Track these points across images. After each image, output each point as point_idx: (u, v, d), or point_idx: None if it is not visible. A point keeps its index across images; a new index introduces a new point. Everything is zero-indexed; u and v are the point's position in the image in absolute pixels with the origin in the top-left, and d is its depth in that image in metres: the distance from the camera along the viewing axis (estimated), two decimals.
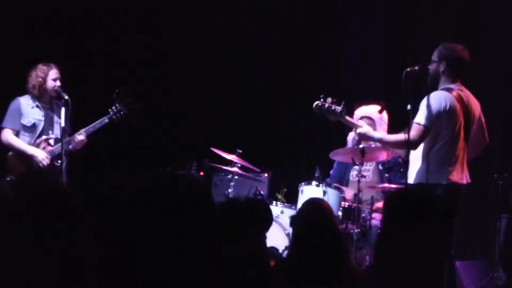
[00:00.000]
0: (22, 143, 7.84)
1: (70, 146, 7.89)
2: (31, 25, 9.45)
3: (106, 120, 8.02)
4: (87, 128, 7.94)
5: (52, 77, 7.89)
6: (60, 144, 7.72)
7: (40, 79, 7.88)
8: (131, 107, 8.09)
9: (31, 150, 7.82)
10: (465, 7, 9.51)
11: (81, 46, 9.74)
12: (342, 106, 6.72)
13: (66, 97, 7.65)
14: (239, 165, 8.56)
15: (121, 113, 8.06)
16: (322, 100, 6.72)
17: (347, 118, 6.84)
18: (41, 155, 7.80)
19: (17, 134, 7.89)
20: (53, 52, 8.70)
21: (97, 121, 8.00)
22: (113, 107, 8.07)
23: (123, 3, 10.12)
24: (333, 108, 6.70)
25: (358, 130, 6.80)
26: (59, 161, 7.77)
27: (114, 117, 8.05)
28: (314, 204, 5.02)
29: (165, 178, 2.44)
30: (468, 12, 9.48)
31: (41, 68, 7.91)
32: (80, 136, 7.87)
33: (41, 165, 7.77)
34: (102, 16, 10.00)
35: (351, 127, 7.05)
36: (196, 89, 10.23)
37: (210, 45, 10.27)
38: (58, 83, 7.88)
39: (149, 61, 10.23)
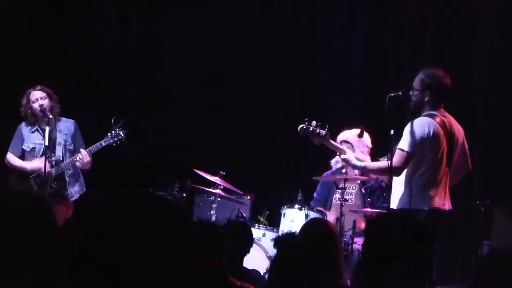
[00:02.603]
0: (20, 161, 8.00)
1: (78, 164, 7.99)
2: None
3: (103, 144, 8.02)
4: (89, 148, 7.99)
5: (32, 100, 7.95)
6: (58, 166, 7.88)
7: (23, 108, 8.00)
8: (125, 130, 8.07)
9: (29, 165, 7.94)
10: (446, 30, 9.60)
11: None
12: (326, 129, 6.75)
13: (50, 116, 7.76)
14: (222, 187, 8.55)
15: (120, 137, 8.02)
16: (306, 123, 6.75)
17: (331, 141, 6.89)
18: (38, 165, 7.86)
19: (20, 158, 8.05)
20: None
21: (94, 145, 8.01)
22: (112, 132, 8.04)
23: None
24: (317, 131, 6.73)
25: (342, 157, 6.86)
26: (55, 183, 7.86)
27: (111, 140, 8.02)
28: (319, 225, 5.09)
29: (141, 199, 2.44)
30: (449, 36, 9.57)
31: (26, 94, 7.99)
32: (80, 155, 7.93)
33: (39, 171, 7.85)
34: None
35: (335, 150, 7.06)
36: (180, 110, 10.26)
37: (193, 67, 10.31)
38: (40, 102, 7.91)
39: (133, 79, 10.28)
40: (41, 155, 7.94)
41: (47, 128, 7.71)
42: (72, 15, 10.02)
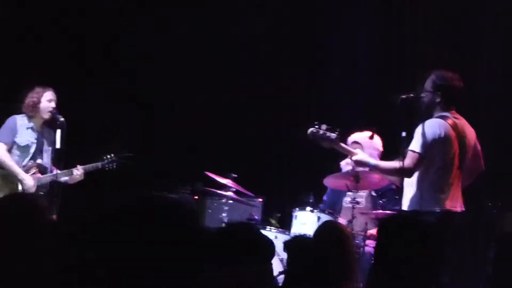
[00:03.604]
0: (14, 164, 7.80)
1: (64, 179, 7.92)
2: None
3: (99, 166, 8.11)
4: (85, 166, 8.01)
5: (47, 98, 7.89)
6: (48, 175, 7.79)
7: (35, 99, 7.88)
8: (126, 161, 8.18)
9: (22, 175, 7.77)
10: (457, 32, 9.66)
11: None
12: (336, 133, 6.72)
13: (62, 118, 7.69)
14: (234, 189, 8.55)
15: (114, 164, 8.14)
16: (316, 126, 6.72)
17: (342, 145, 6.85)
18: (30, 183, 7.77)
19: (8, 151, 7.87)
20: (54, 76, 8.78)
21: (91, 164, 8.07)
22: (109, 156, 8.14)
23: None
24: (327, 134, 6.70)
25: (354, 158, 6.81)
26: (44, 191, 7.81)
27: (106, 166, 8.13)
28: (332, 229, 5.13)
29: (151, 202, 2.45)
30: (459, 37, 9.62)
31: (37, 89, 7.93)
32: (77, 171, 7.93)
33: (27, 190, 7.72)
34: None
35: (345, 154, 7.06)
36: (192, 111, 10.31)
37: (204, 67, 10.35)
38: (53, 104, 7.88)
39: (145, 81, 10.29)
40: (33, 155, 7.88)
41: (58, 131, 7.61)
42: (65, 15, 10.00)
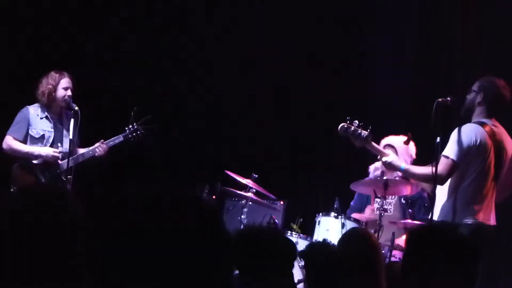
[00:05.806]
0: (25, 146, 7.79)
1: (95, 153, 7.89)
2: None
3: (121, 139, 8.02)
4: (107, 141, 7.95)
5: (63, 86, 7.84)
6: (77, 156, 7.79)
7: (50, 86, 7.83)
8: (149, 127, 8.09)
9: (37, 149, 7.75)
10: (501, 39, 9.48)
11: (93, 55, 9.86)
12: (368, 131, 6.64)
13: (76, 107, 7.68)
14: (254, 190, 8.48)
15: (138, 132, 8.04)
16: (348, 122, 6.65)
17: (373, 144, 6.76)
18: (48, 151, 7.74)
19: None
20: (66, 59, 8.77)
21: (111, 139, 8.00)
22: (130, 126, 8.05)
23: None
24: (359, 132, 6.62)
25: (384, 159, 6.72)
26: (68, 176, 7.70)
27: (130, 136, 8.03)
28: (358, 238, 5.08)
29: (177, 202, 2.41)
30: (504, 45, 9.45)
31: (52, 75, 7.87)
32: (100, 148, 7.89)
33: (50, 160, 7.73)
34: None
35: (375, 155, 6.95)
36: (213, 109, 10.32)
37: (227, 67, 10.36)
38: (69, 92, 7.84)
39: (165, 78, 10.30)
40: (51, 144, 7.84)
41: (72, 121, 7.62)
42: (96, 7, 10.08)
